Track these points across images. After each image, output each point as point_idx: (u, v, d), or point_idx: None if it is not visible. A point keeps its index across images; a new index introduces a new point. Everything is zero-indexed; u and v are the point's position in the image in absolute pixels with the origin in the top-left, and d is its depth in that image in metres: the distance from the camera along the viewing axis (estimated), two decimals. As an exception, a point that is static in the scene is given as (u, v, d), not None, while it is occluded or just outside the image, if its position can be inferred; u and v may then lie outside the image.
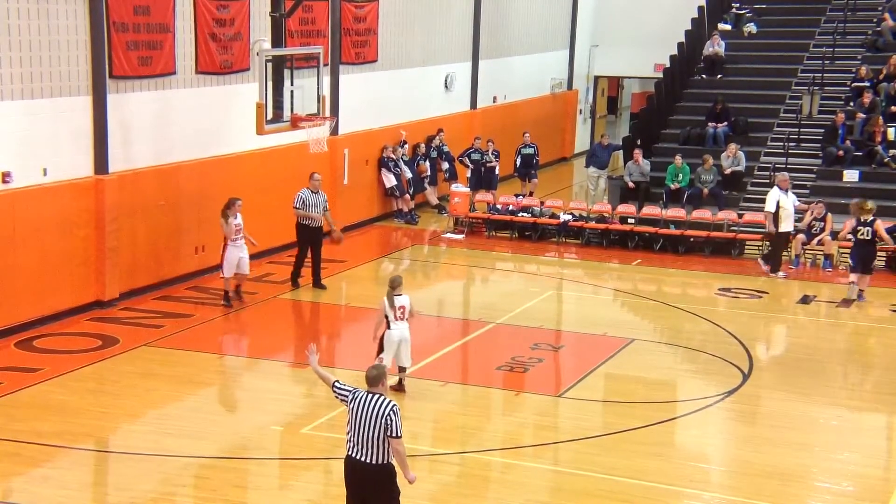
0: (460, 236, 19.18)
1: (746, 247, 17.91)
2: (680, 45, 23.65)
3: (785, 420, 10.73)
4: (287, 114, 14.34)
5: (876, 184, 19.08)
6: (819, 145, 20.06)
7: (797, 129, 20.55)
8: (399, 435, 6.99)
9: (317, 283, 15.21)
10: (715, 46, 22.98)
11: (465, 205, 19.57)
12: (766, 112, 21.53)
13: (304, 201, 14.88)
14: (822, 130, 20.14)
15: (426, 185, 21.13)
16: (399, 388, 10.94)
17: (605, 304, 15.63)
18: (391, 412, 6.98)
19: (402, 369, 11.04)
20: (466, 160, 21.40)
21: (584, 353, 12.98)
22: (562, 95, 27.71)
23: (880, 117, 19.71)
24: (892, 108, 20.23)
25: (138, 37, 14.21)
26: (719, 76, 22.78)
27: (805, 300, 15.20)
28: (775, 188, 16.55)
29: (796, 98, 21.40)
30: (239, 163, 16.18)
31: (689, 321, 14.14)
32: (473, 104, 23.72)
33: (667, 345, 13.31)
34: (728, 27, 23.94)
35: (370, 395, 7.10)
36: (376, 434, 6.98)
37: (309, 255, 15.12)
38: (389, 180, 20.04)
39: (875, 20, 22.73)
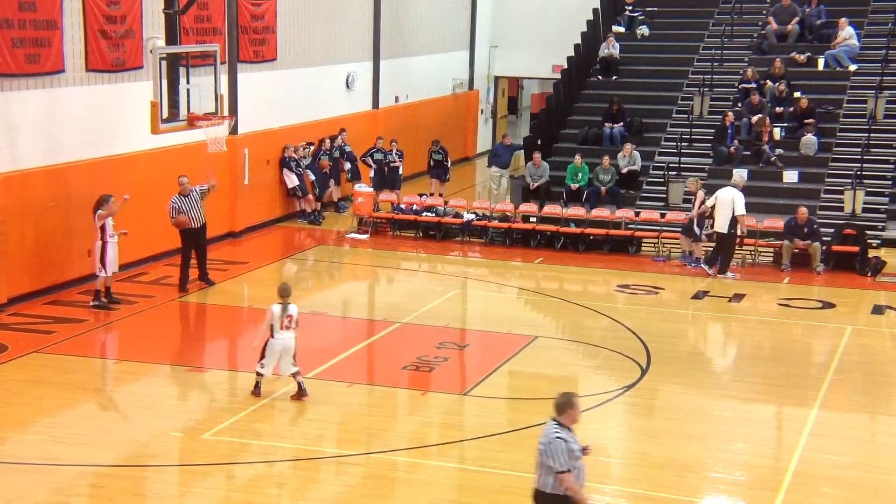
0: (364, 236, 19.14)
1: (643, 244, 18.42)
2: (576, 46, 24.14)
3: (680, 413, 11.10)
4: (183, 113, 14.09)
5: (763, 182, 19.88)
6: (710, 145, 20.79)
7: (689, 130, 21.26)
8: (561, 469, 6.80)
9: (203, 278, 15.07)
10: (610, 48, 23.54)
11: (368, 205, 19.54)
12: (660, 113, 22.18)
13: (177, 209, 14.74)
14: (713, 130, 20.89)
15: (331, 182, 21.02)
16: (299, 394, 10.84)
17: (509, 303, 15.85)
18: (546, 443, 6.84)
19: (294, 374, 10.88)
20: (369, 160, 21.36)
21: (489, 351, 13.14)
22: (463, 96, 27.93)
23: (767, 118, 20.54)
24: (778, 108, 21.12)
25: (24, 34, 13.71)
26: (614, 77, 23.35)
27: (698, 296, 15.74)
28: (734, 189, 16.78)
29: (688, 99, 22.10)
30: (133, 162, 15.79)
31: (589, 317, 14.47)
32: (375, 104, 23.69)
33: (568, 341, 13.59)
34: (622, 29, 24.56)
35: (548, 422, 6.99)
36: (539, 461, 6.92)
37: (194, 255, 14.98)
38: (291, 180, 19.85)
39: (760, 23, 23.67)
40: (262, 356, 10.79)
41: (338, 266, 17.93)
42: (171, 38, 14.63)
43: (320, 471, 7.57)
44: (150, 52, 14.54)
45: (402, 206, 19.82)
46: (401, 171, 21.55)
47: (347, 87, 22.49)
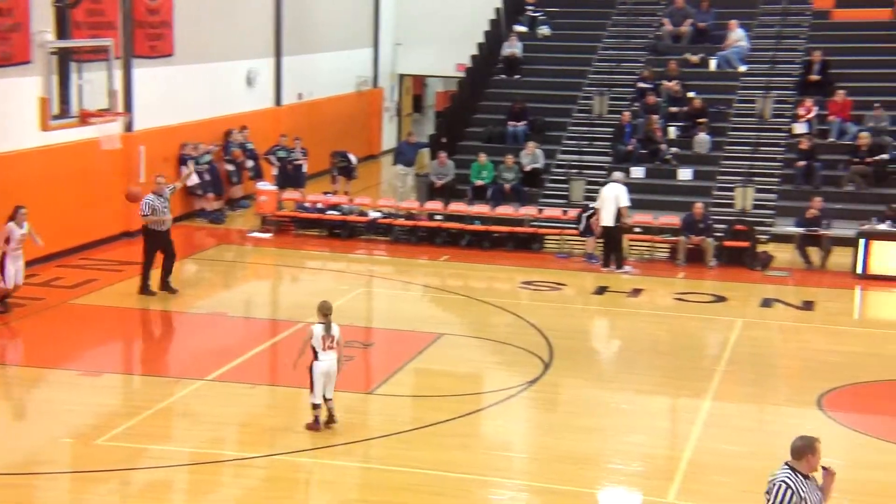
0: (268, 235, 18.93)
1: (546, 241, 18.74)
2: (480, 45, 24.37)
3: (582, 406, 11.38)
4: (75, 109, 13.69)
5: (659, 179, 20.48)
6: (609, 143, 21.29)
7: (589, 129, 21.71)
8: None
9: (166, 287, 14.63)
10: (512, 47, 23.85)
11: (272, 203, 19.33)
12: (561, 112, 22.59)
13: (152, 207, 14.32)
14: (612, 129, 21.39)
15: (233, 180, 20.71)
16: (330, 420, 10.10)
17: (414, 301, 15.92)
18: (770, 483, 6.18)
19: (325, 399, 10.08)
20: (272, 158, 21.12)
21: (394, 349, 13.18)
22: (368, 93, 27.85)
23: (654, 116, 21.11)
24: (673, 108, 21.77)
25: None
26: (517, 76, 23.66)
27: (600, 291, 16.11)
28: (618, 184, 17.12)
29: (588, 98, 22.58)
30: (21, 160, 15.26)
31: (494, 314, 14.66)
32: (278, 101, 23.43)
33: (474, 338, 13.75)
34: (524, 29, 24.89)
35: (782, 466, 6.26)
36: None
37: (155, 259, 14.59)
38: (191, 178, 19.46)
39: (655, 25, 24.33)
40: (312, 385, 9.91)
41: (240, 265, 17.69)
42: (62, 32, 14.18)
43: (219, 474, 7.48)
44: (39, 46, 14.05)
45: (307, 204, 19.67)
46: (305, 169, 21.38)
47: (248, 83, 22.18)
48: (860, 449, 10.23)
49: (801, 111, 21.06)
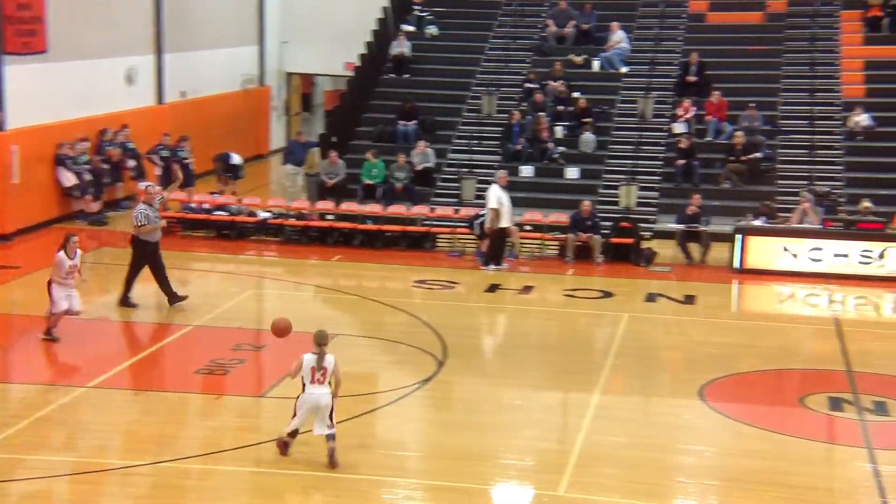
0: (152, 237, 18.35)
1: (438, 240, 18.82)
2: (368, 44, 24.28)
3: (475, 403, 11.47)
4: (-58, 108, 12.97)
5: (547, 178, 20.86)
6: (499, 143, 21.55)
7: (479, 128, 21.92)
8: None
9: (175, 299, 14.04)
10: (401, 47, 23.85)
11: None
12: (451, 111, 22.73)
13: (146, 217, 13.80)
14: (501, 129, 21.66)
15: (108, 180, 20.02)
16: (331, 462, 9.24)
17: (307, 301, 15.74)
18: None
19: (328, 438, 9.32)
20: (156, 157, 20.52)
21: (287, 351, 12.94)
22: (254, 92, 27.37)
23: (540, 114, 21.49)
24: (559, 107, 22.20)
25: None
26: (406, 76, 23.68)
27: (492, 289, 16.29)
28: (495, 185, 17.24)
29: (477, 98, 22.79)
30: None
31: (388, 314, 14.63)
32: (160, 99, 22.78)
33: (367, 338, 13.69)
34: (412, 28, 24.93)
35: None
36: None
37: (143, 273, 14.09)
38: (68, 179, 18.73)
39: (540, 26, 24.76)
40: (294, 414, 9.37)
41: (123, 269, 17.10)
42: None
43: (103, 483, 7.22)
44: None
45: (193, 204, 19.19)
46: (192, 168, 20.85)
47: (128, 81, 21.49)
48: (739, 437, 10.64)
49: (679, 111, 21.81)
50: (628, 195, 19.96)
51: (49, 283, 12.52)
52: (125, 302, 14.18)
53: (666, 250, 18.24)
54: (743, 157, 20.44)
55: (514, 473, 9.72)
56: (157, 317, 14.50)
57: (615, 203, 19.94)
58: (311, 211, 19.14)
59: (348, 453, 9.72)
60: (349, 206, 19.16)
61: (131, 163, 20.46)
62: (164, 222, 14.46)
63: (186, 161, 20.64)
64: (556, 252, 18.29)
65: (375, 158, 20.28)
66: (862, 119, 20.78)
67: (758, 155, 20.55)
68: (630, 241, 18.03)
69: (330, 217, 18.89)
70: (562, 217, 18.58)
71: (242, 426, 10.48)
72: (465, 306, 15.62)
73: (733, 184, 20.36)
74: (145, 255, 14.18)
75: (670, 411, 11.31)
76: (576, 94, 22.36)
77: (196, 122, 23.32)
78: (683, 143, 20.72)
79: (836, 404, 11.29)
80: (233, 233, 18.69)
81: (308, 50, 28.22)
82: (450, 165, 21.24)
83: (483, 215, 17.52)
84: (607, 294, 16.13)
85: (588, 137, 21.50)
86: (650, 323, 14.92)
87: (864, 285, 16.45)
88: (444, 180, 20.87)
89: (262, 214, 18.88)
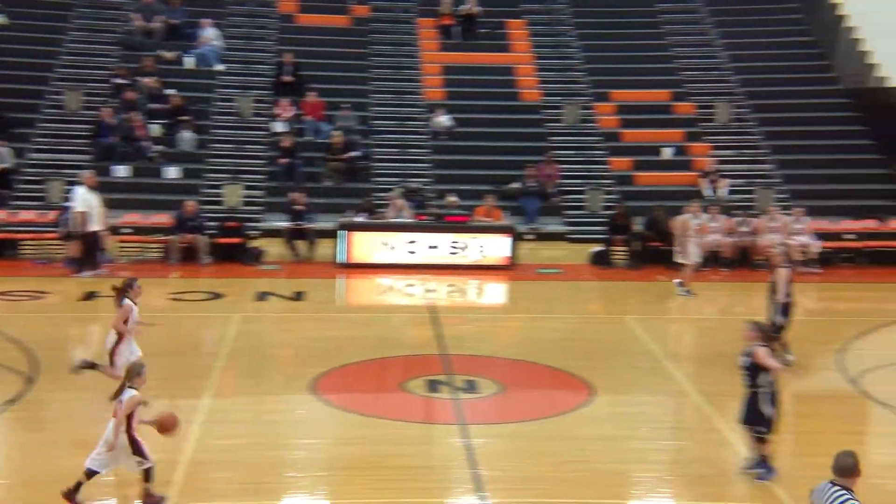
0: None
1: (22, 246, 17.06)
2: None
3: (71, 420, 10.48)
4: None
5: (145, 178, 19.87)
6: (88, 141, 20.07)
7: (64, 125, 20.25)
8: None
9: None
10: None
11: None
12: (28, 107, 20.80)
13: None
14: (90, 126, 20.19)
15: None
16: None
17: None
18: None
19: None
20: None
21: None
22: None
23: (134, 113, 20.47)
24: (152, 105, 21.21)
25: None
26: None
27: (89, 297, 15.07)
28: (82, 187, 16.04)
29: (58, 93, 21.02)
30: None
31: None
32: None
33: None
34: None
35: (830, 486, 6.15)
36: None
37: None
38: None
39: (124, 20, 23.45)
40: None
41: None
42: None
43: None
44: None
45: None
46: None
47: None
48: (347, 426, 10.84)
49: (278, 111, 21.95)
50: (233, 194, 19.68)
51: (118, 341, 10.45)
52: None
53: (274, 248, 18.24)
54: (342, 156, 21.11)
55: (113, 491, 8.99)
56: None
57: (220, 203, 19.56)
58: None
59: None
60: None
61: None
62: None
63: None
64: (160, 254, 17.46)
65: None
66: (443, 120, 22.47)
67: (355, 154, 21.34)
68: (237, 240, 17.79)
69: None
70: (164, 218, 17.79)
71: None
72: (58, 317, 14.28)
73: (335, 182, 20.94)
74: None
75: (283, 408, 11.24)
76: (170, 92, 21.53)
77: None
78: (286, 142, 20.88)
79: (433, 386, 11.95)
80: None
81: None
82: (32, 166, 19.35)
83: (68, 218, 16.25)
84: (216, 295, 15.71)
85: (187, 136, 20.82)
86: (261, 322, 14.79)
87: (455, 274, 17.74)
88: (27, 182, 18.98)
89: None
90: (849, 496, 6.07)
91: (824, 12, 24.73)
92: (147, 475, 8.51)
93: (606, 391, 11.69)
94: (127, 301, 10.62)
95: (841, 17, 24.30)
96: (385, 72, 23.52)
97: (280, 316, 15.21)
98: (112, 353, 10.50)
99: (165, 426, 8.72)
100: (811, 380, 12.22)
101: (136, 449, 8.45)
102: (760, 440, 9.18)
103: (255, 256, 17.76)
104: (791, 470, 9.75)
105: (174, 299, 15.41)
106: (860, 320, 14.86)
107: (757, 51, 24.12)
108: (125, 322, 10.54)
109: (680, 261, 16.33)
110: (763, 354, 9.00)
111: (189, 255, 17.31)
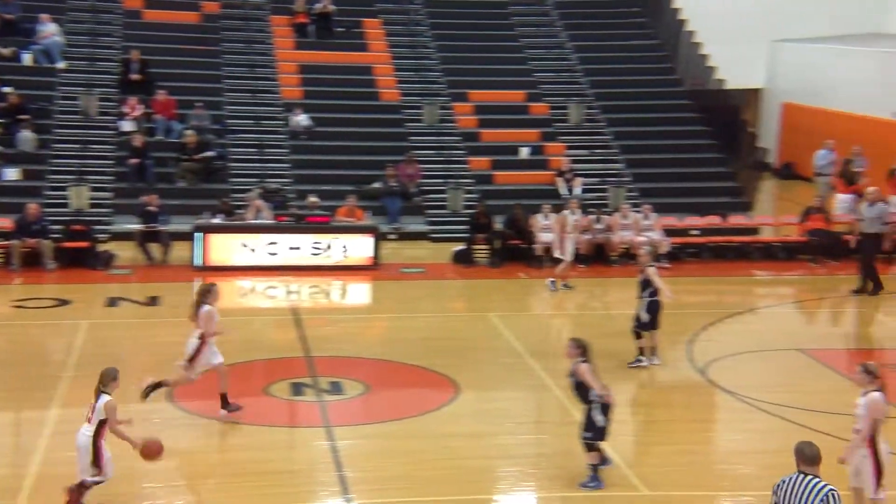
0: None
1: None
2: None
3: None
4: None
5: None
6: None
7: None
8: None
9: None
10: None
11: None
12: None
13: None
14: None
15: None
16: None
17: None
18: (830, 497, 6.11)
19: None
20: None
21: None
22: None
23: None
24: None
25: None
26: None
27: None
28: None
29: None
30: None
31: None
32: None
33: None
34: None
35: (802, 477, 6.25)
36: None
37: None
38: None
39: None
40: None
41: None
42: None
43: None
44: None
45: None
46: None
47: None
48: (207, 434, 10.52)
49: (126, 109, 21.06)
50: (79, 196, 18.74)
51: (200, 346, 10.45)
52: None
53: (125, 252, 17.48)
54: (196, 156, 20.43)
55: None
56: None
57: (65, 205, 18.58)
58: None
59: None
60: None
61: None
62: None
63: None
64: (1, 260, 16.44)
65: None
66: (301, 119, 22.11)
67: (210, 153, 20.71)
68: (85, 244, 16.97)
69: None
70: (4, 222, 16.78)
71: None
72: None
73: (189, 182, 20.25)
74: None
75: (142, 415, 10.70)
76: (7, 89, 20.33)
77: None
78: (137, 142, 20.04)
79: (297, 389, 11.73)
80: None
81: None
82: None
83: None
84: (63, 302, 14.93)
85: (27, 135, 19.70)
86: (113, 328, 14.14)
87: (317, 275, 17.45)
88: None
89: None
90: (825, 483, 6.19)
91: (668, 18, 25.82)
92: (86, 487, 8.33)
93: (470, 388, 11.76)
94: (207, 308, 10.70)
95: (683, 23, 25.43)
96: (239, 70, 22.95)
97: (133, 322, 14.58)
98: (193, 358, 10.65)
99: (150, 452, 8.64)
100: (663, 371, 12.66)
101: (97, 458, 8.31)
102: (589, 447, 9.13)
103: (105, 261, 16.96)
104: (644, 458, 10.08)
105: (17, 307, 14.56)
106: (706, 312, 15.52)
107: (605, 53, 24.92)
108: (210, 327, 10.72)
109: (558, 256, 16.60)
110: (583, 371, 8.98)
111: (32, 261, 16.36)
